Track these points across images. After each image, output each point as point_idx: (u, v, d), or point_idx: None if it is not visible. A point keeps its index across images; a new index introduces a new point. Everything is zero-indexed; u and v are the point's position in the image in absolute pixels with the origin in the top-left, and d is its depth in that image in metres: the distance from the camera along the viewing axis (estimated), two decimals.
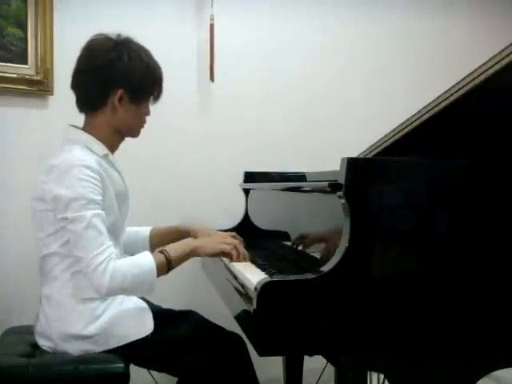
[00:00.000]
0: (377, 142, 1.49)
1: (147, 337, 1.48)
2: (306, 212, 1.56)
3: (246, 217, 2.12)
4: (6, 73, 2.08)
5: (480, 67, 1.18)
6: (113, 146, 1.57)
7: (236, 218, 2.12)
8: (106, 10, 2.21)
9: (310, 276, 1.12)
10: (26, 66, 2.12)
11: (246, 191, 2.18)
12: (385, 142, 1.44)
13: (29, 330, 1.55)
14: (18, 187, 2.06)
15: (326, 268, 1.12)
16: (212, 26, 2.35)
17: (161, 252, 1.47)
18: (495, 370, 1.23)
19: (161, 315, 1.56)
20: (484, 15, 2.78)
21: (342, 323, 1.12)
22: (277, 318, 1.09)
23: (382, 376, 1.75)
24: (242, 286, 1.34)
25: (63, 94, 1.72)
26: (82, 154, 1.44)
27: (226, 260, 1.60)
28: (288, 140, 2.49)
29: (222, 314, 1.55)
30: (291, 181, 2.07)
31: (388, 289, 1.14)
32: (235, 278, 1.44)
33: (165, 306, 1.69)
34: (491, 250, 1.20)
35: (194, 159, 2.38)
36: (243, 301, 1.26)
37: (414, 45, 2.70)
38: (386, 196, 1.18)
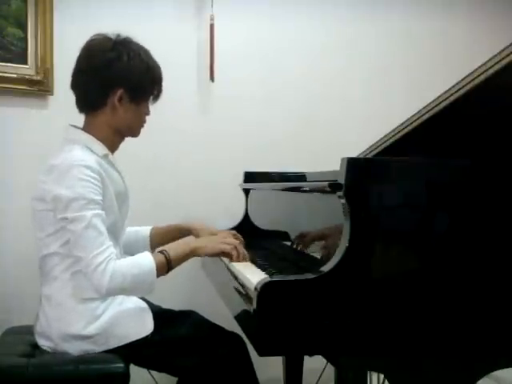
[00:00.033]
0: (377, 142, 1.49)
1: (147, 337, 1.48)
2: (305, 212, 1.56)
3: (246, 217, 2.12)
4: (5, 73, 2.08)
5: (480, 67, 1.18)
6: (113, 146, 1.57)
7: (236, 218, 2.12)
8: (106, 10, 2.21)
9: (309, 276, 1.12)
10: (26, 66, 2.12)
11: (246, 191, 2.18)
12: (385, 142, 1.44)
13: (29, 330, 1.55)
14: (17, 187, 2.06)
15: (326, 268, 1.12)
16: (212, 26, 2.35)
17: (160, 252, 1.47)
18: (495, 369, 1.23)
19: (161, 315, 1.56)
20: (484, 15, 2.78)
21: (341, 323, 1.12)
22: (277, 318, 1.09)
23: (382, 376, 1.75)
24: (242, 286, 1.33)
25: (63, 94, 1.72)
26: (82, 153, 1.44)
27: (226, 260, 1.60)
28: (288, 140, 2.49)
29: (222, 313, 1.55)
30: (291, 181, 2.07)
31: (388, 289, 1.14)
32: (235, 277, 1.44)
33: (165, 306, 1.69)
34: (491, 250, 1.20)
35: (193, 159, 2.38)
36: (243, 301, 1.26)
37: (413, 45, 2.70)
38: (386, 196, 1.18)
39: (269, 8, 2.49)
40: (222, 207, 2.29)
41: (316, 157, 2.31)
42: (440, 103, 1.26)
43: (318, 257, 1.37)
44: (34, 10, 2.11)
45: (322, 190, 1.36)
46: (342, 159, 1.16)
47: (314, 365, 1.97)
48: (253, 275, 1.33)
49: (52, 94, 2.16)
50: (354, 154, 1.29)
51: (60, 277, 1.45)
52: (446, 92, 1.25)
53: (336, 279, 1.11)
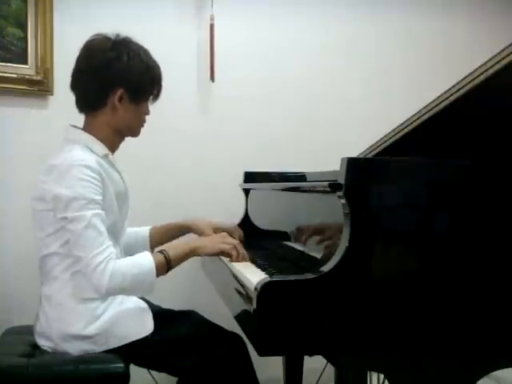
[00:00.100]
0: (377, 142, 1.48)
1: (147, 337, 1.48)
2: (306, 212, 1.56)
3: (246, 217, 2.12)
4: (5, 73, 2.08)
5: (480, 67, 1.18)
6: (113, 146, 1.57)
7: (236, 218, 2.12)
8: (106, 10, 2.21)
9: (310, 276, 1.12)
10: (26, 66, 2.12)
11: (246, 191, 2.18)
12: (385, 142, 1.44)
13: (29, 330, 1.55)
14: (18, 187, 2.06)
15: (326, 268, 1.12)
16: (212, 26, 2.35)
17: (160, 252, 1.47)
18: (495, 369, 1.23)
19: (161, 315, 1.56)
20: (484, 15, 2.78)
21: (341, 323, 1.12)
22: (277, 318, 1.09)
23: (382, 376, 1.75)
24: (242, 285, 1.33)
25: (63, 94, 1.72)
26: (82, 153, 1.44)
27: (225, 260, 1.60)
28: (288, 140, 2.49)
29: (222, 313, 1.55)
30: (291, 181, 2.07)
31: (388, 289, 1.14)
32: (235, 277, 1.44)
33: (165, 305, 1.69)
34: (491, 250, 1.19)
35: (193, 159, 2.38)
36: (243, 301, 1.26)
37: (413, 45, 2.70)
38: (386, 196, 1.17)
39: (269, 8, 2.48)
40: (221, 207, 2.29)
41: (316, 157, 2.31)
42: (440, 103, 1.26)
43: (318, 257, 1.37)
44: (34, 10, 2.11)
45: (322, 190, 1.36)
46: (342, 159, 1.16)
47: (314, 365, 1.97)
48: (253, 275, 1.33)
49: (52, 94, 2.16)
50: (354, 154, 1.29)
51: (60, 277, 1.45)
52: (445, 92, 1.25)
53: (336, 279, 1.11)
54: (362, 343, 1.14)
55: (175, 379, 1.59)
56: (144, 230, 1.82)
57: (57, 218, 1.40)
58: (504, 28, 2.67)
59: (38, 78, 2.12)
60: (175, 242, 1.81)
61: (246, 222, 2.09)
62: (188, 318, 1.63)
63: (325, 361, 1.70)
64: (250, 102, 2.47)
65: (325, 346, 1.14)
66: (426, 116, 1.30)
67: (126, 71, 1.48)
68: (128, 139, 1.61)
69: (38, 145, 2.03)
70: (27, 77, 2.11)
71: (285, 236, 1.66)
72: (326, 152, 2.18)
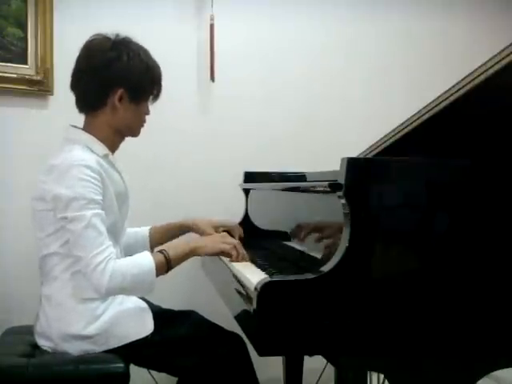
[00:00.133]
0: (377, 142, 1.48)
1: (147, 337, 1.48)
2: (306, 212, 1.56)
3: (246, 217, 2.12)
4: (5, 73, 2.08)
5: (480, 67, 1.18)
6: (113, 146, 1.57)
7: (236, 218, 2.12)
8: (106, 10, 2.21)
9: (310, 276, 1.12)
10: (26, 66, 2.12)
11: (246, 191, 2.18)
12: (385, 142, 1.44)
13: (29, 330, 1.55)
14: (18, 187, 2.06)
15: (326, 268, 1.12)
16: (212, 26, 2.35)
17: (160, 252, 1.47)
18: (495, 369, 1.23)
19: (161, 315, 1.56)
20: (484, 15, 2.78)
21: (341, 323, 1.12)
22: (277, 318, 1.09)
23: (382, 376, 1.75)
24: (242, 285, 1.33)
25: (63, 94, 1.72)
26: (82, 153, 1.44)
27: (225, 260, 1.60)
28: (288, 140, 2.49)
29: (222, 313, 1.55)
30: (291, 181, 2.07)
31: (388, 289, 1.14)
32: (235, 277, 1.44)
33: (165, 305, 1.69)
34: (491, 250, 1.19)
35: (194, 159, 2.38)
36: (243, 301, 1.26)
37: (413, 45, 2.70)
38: (386, 196, 1.18)
39: (269, 8, 2.48)
40: (222, 207, 2.29)
41: (316, 157, 2.31)
42: (440, 103, 1.26)
43: (318, 257, 1.37)
44: (34, 10, 2.11)
45: (322, 190, 1.36)
46: (342, 159, 1.16)
47: (314, 365, 1.97)
48: (253, 275, 1.33)
49: (52, 94, 2.16)
50: (354, 154, 1.29)
51: (60, 277, 1.45)
52: (445, 92, 1.25)
53: (336, 279, 1.11)
54: (362, 343, 1.14)
55: (175, 379, 1.59)
56: (144, 230, 1.82)
57: (57, 217, 1.40)
58: (504, 28, 2.67)
59: (38, 78, 2.12)
60: (175, 241, 1.81)
61: (246, 222, 2.09)
62: (188, 318, 1.63)
63: (325, 361, 1.70)
64: (250, 102, 2.47)
65: (325, 346, 1.14)
66: (426, 116, 1.30)
67: (125, 71, 1.48)
68: (128, 139, 1.61)
69: (38, 145, 2.03)
70: (27, 77, 2.11)
71: (285, 236, 1.66)
72: (326, 152, 2.18)
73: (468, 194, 1.20)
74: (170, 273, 1.47)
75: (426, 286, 1.16)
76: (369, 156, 1.48)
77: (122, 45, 1.50)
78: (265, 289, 1.09)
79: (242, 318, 1.27)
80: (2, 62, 2.08)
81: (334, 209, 1.21)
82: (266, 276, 1.28)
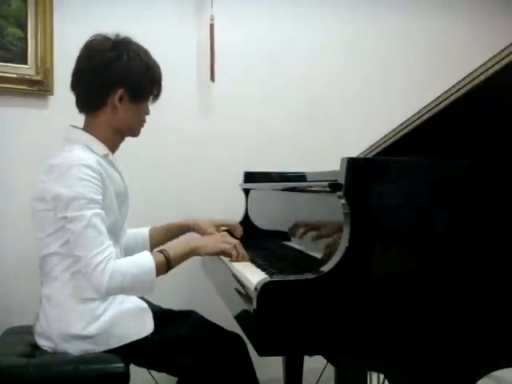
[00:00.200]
0: (377, 142, 1.49)
1: (147, 337, 1.48)
2: (306, 212, 1.56)
3: (246, 217, 2.12)
4: (5, 73, 2.08)
5: (480, 67, 1.18)
6: (113, 146, 1.57)
7: (236, 218, 2.12)
8: (106, 10, 2.21)
9: (310, 276, 1.12)
10: (26, 66, 2.12)
11: (246, 191, 2.18)
12: (385, 142, 1.44)
13: (29, 330, 1.55)
14: (18, 187, 2.06)
15: (326, 268, 1.12)
16: (212, 26, 2.35)
17: (160, 251, 1.47)
18: (495, 369, 1.23)
19: (161, 315, 1.56)
20: (484, 15, 2.78)
21: (341, 323, 1.12)
22: (277, 318, 1.09)
23: (382, 376, 1.75)
24: (242, 285, 1.33)
25: (63, 94, 1.72)
26: (82, 153, 1.44)
27: (225, 259, 1.60)
28: (288, 140, 2.49)
29: (222, 313, 1.55)
30: (291, 181, 2.07)
31: (388, 289, 1.14)
32: (235, 277, 1.44)
33: (165, 305, 1.69)
34: (491, 250, 1.19)
35: (194, 159, 2.38)
36: (243, 301, 1.26)
37: (413, 45, 2.70)
38: (386, 196, 1.17)
39: (269, 8, 2.48)
40: (221, 207, 2.29)
41: (316, 157, 2.31)
42: (440, 103, 1.26)
43: (318, 257, 1.37)
44: (34, 10, 2.11)
45: (322, 190, 1.36)
46: (342, 159, 1.16)
47: (314, 365, 1.97)
48: (253, 275, 1.33)
49: (52, 94, 2.16)
50: (354, 154, 1.29)
51: (60, 277, 1.45)
52: (445, 92, 1.25)
53: (336, 279, 1.11)
54: (362, 343, 1.14)
55: (175, 379, 1.59)
56: (143, 231, 1.82)
57: (57, 217, 1.40)
58: (504, 28, 2.67)
59: (38, 78, 2.12)
60: (175, 241, 1.81)
61: (246, 222, 2.09)
62: (188, 318, 1.63)
63: (325, 361, 1.70)
64: (250, 102, 2.47)
65: (325, 346, 1.14)
66: (426, 116, 1.30)
67: (126, 71, 1.48)
68: (128, 139, 1.61)
69: (38, 145, 2.03)
70: (27, 77, 2.11)
71: (285, 236, 1.66)
72: (326, 152, 2.18)
73: (468, 194, 1.20)
74: (169, 273, 1.47)
75: (426, 286, 1.16)
76: (369, 156, 1.48)
77: (122, 45, 1.50)
78: (265, 289, 1.09)
79: (242, 317, 1.27)
80: (2, 61, 2.08)
81: (333, 209, 1.21)
82: (266, 276, 1.28)
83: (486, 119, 1.37)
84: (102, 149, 1.51)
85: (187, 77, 2.38)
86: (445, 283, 1.16)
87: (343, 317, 1.12)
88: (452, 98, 1.24)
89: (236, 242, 1.57)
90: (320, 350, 1.19)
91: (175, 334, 1.52)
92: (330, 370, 1.96)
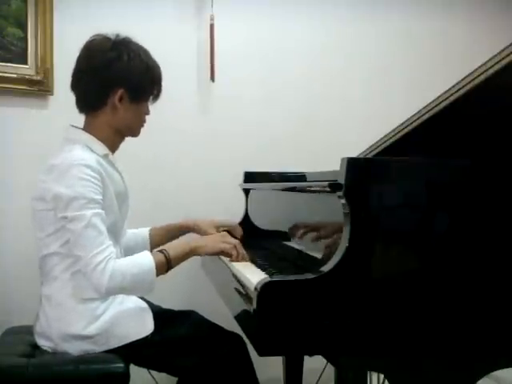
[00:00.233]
0: (377, 142, 1.49)
1: (147, 337, 1.48)
2: (306, 212, 1.56)
3: (246, 217, 2.12)
4: (5, 73, 2.08)
5: (480, 67, 1.18)
6: (113, 146, 1.57)
7: (236, 218, 2.12)
8: (106, 10, 2.21)
9: (310, 276, 1.12)
10: (26, 66, 2.12)
11: (246, 191, 2.18)
12: (385, 142, 1.44)
13: (29, 330, 1.55)
14: (18, 187, 2.06)
15: (326, 268, 1.12)
16: (212, 26, 2.35)
17: (160, 251, 1.47)
18: (495, 369, 1.23)
19: (161, 315, 1.56)
20: (484, 15, 2.78)
21: (341, 323, 1.12)
22: (277, 318, 1.09)
23: (382, 376, 1.75)
24: (242, 285, 1.33)
25: (63, 94, 1.72)
26: (82, 153, 1.44)
27: (225, 259, 1.60)
28: (288, 140, 2.50)
29: (222, 313, 1.55)
30: (291, 181, 2.07)
31: (388, 289, 1.14)
32: (235, 277, 1.44)
33: (165, 305, 1.69)
34: (491, 250, 1.19)
35: (194, 159, 2.38)
36: (243, 301, 1.26)
37: (413, 45, 2.70)
38: (386, 196, 1.17)
39: (269, 8, 2.48)
40: (222, 207, 2.29)
41: (316, 157, 2.31)
42: (440, 103, 1.26)
43: (318, 257, 1.37)
44: (34, 10, 2.11)
45: (322, 190, 1.36)
46: (342, 159, 1.16)
47: (314, 365, 1.97)
48: (253, 275, 1.33)
49: (52, 94, 2.16)
50: (354, 154, 1.29)
51: (60, 277, 1.45)
52: (445, 92, 1.25)
53: (336, 279, 1.11)
54: (362, 343, 1.14)
55: (175, 379, 1.59)
56: (143, 232, 1.82)
57: (57, 217, 1.40)
58: (504, 28, 2.67)
59: (38, 78, 2.12)
60: (175, 241, 1.82)
61: (246, 222, 2.09)
62: (188, 318, 1.63)
63: (325, 361, 1.70)
64: (250, 102, 2.47)
65: (325, 346, 1.14)
66: (426, 116, 1.30)
67: (126, 71, 1.48)
68: (128, 139, 1.61)
69: (38, 145, 2.03)
70: (27, 77, 2.11)
71: (285, 236, 1.66)
72: (326, 152, 2.18)
73: (468, 194, 1.20)
74: (169, 273, 1.47)
75: (426, 286, 1.16)
76: (369, 156, 1.48)
77: (122, 45, 1.50)
78: (265, 289, 1.09)
79: (242, 317, 1.27)
80: (2, 61, 2.08)
81: (333, 209, 1.21)
82: (266, 276, 1.28)
83: (486, 119, 1.37)
84: (101, 149, 1.51)
85: (187, 77, 2.38)
86: (445, 283, 1.16)
87: (343, 317, 1.12)
88: (452, 98, 1.24)
89: (236, 241, 1.57)
90: (320, 350, 1.19)
91: (175, 334, 1.52)
92: (330, 370, 1.96)
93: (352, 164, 1.15)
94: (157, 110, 1.62)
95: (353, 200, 1.15)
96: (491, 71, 1.15)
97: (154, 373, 1.64)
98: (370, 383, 1.67)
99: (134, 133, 1.59)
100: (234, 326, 1.41)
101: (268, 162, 2.34)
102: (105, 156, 1.51)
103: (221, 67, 2.38)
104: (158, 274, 1.42)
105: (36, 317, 1.53)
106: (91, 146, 1.49)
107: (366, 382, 1.59)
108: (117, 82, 1.48)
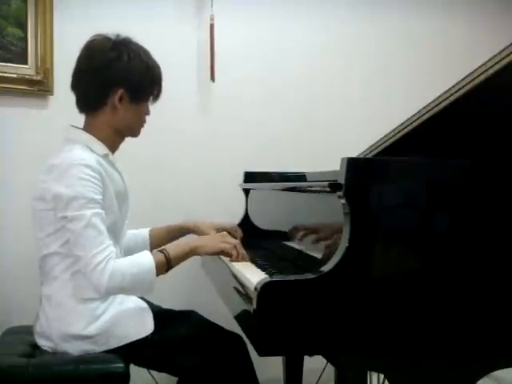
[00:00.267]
0: (377, 142, 1.48)
1: (147, 337, 1.48)
2: (306, 212, 1.56)
3: (246, 217, 2.12)
4: (5, 73, 2.08)
5: (480, 67, 1.18)
6: (113, 146, 1.57)
7: (236, 218, 2.12)
8: (106, 10, 2.21)
9: (310, 276, 1.12)
10: (26, 66, 2.12)
11: (246, 191, 2.18)
12: (385, 142, 1.44)
13: (29, 330, 1.55)
14: (18, 187, 2.06)
15: (326, 268, 1.12)
16: (212, 26, 2.35)
17: (160, 251, 1.47)
18: (495, 369, 1.23)
19: (161, 315, 1.56)
20: (484, 15, 2.78)
21: (341, 323, 1.12)
22: (277, 318, 1.09)
23: (382, 376, 1.75)
24: (242, 285, 1.33)
25: (63, 94, 1.72)
26: (82, 153, 1.44)
27: (225, 259, 1.60)
28: (288, 140, 2.50)
29: (222, 313, 1.55)
30: (291, 181, 2.07)
31: (388, 289, 1.14)
32: (235, 277, 1.44)
33: (165, 305, 1.69)
34: (491, 250, 1.19)
35: (194, 159, 2.38)
36: (243, 301, 1.25)
37: (413, 45, 2.70)
38: (386, 196, 1.17)
39: (269, 8, 2.48)
40: (222, 207, 2.29)
41: (316, 157, 2.31)
42: (440, 103, 1.26)
43: (318, 257, 1.37)
44: (34, 10, 2.11)
45: (322, 190, 1.36)
46: (342, 159, 1.16)
47: (314, 365, 1.97)
48: (253, 275, 1.33)
49: (52, 94, 2.16)
50: (354, 154, 1.29)
51: (60, 277, 1.45)
52: (445, 92, 1.25)
53: (336, 279, 1.11)
54: (362, 343, 1.14)
55: (175, 379, 1.59)
56: (143, 232, 1.82)
57: (57, 217, 1.40)
58: (504, 28, 2.67)
59: (38, 78, 2.12)
60: (175, 242, 1.82)
61: (246, 222, 2.09)
62: (188, 318, 1.63)
63: (325, 361, 1.70)
64: (250, 101, 2.47)
65: (325, 346, 1.14)
66: (426, 116, 1.30)
67: (126, 71, 1.48)
68: (128, 139, 1.61)
69: (38, 145, 2.03)
70: (27, 77, 2.11)
71: (285, 236, 1.66)
72: (326, 152, 2.18)
73: (468, 194, 1.20)
74: (169, 273, 1.47)
75: (426, 286, 1.16)
76: (369, 156, 1.48)
77: (122, 45, 1.50)
78: (265, 289, 1.09)
79: (241, 317, 1.27)
80: (2, 61, 2.08)
81: (333, 209, 1.21)
82: (266, 276, 1.28)
83: (486, 119, 1.37)
84: (101, 149, 1.51)
85: (187, 77, 2.38)
86: (445, 283, 1.16)
87: (343, 317, 1.12)
88: (452, 98, 1.24)
89: (236, 241, 1.57)
90: (320, 350, 1.19)
91: (175, 334, 1.52)
92: (330, 370, 1.96)
93: (352, 164, 1.15)
94: (157, 110, 1.62)
95: (353, 200, 1.15)
96: (491, 71, 1.15)
97: (154, 373, 1.64)
98: (370, 383, 1.67)
99: (134, 133, 1.59)
100: (234, 326, 1.41)
101: (268, 162, 2.34)
102: (105, 156, 1.51)
103: (221, 67, 2.38)
104: (157, 274, 1.42)
105: (36, 317, 1.53)
106: (91, 146, 1.49)
107: (365, 382, 1.59)
108: (117, 82, 1.48)
